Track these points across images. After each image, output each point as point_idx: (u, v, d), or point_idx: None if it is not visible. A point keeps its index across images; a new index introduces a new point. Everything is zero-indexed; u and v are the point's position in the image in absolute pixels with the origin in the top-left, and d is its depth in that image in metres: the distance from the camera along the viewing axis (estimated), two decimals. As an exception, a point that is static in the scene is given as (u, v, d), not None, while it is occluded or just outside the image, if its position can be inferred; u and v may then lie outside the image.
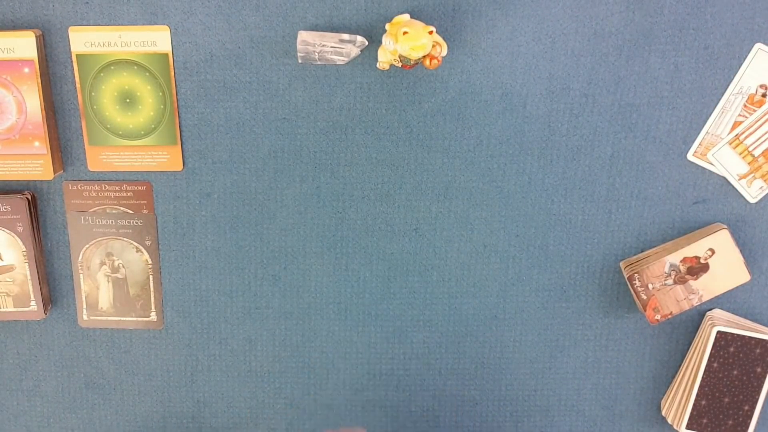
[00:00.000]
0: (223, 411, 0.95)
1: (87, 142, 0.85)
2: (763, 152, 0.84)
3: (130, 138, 0.85)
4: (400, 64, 0.79)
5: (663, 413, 0.93)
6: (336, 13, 0.81)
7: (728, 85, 0.83)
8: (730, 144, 0.84)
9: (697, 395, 0.88)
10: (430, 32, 0.74)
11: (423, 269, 0.90)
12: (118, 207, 0.88)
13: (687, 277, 0.86)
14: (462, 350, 0.93)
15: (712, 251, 0.84)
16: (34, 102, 0.82)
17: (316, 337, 0.92)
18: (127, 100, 0.84)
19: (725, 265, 0.85)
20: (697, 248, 0.84)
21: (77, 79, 0.83)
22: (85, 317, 0.91)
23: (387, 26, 0.78)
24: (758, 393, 0.88)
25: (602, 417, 0.95)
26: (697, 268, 0.85)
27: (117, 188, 0.87)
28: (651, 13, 0.81)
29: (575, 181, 0.87)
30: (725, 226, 0.85)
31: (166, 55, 0.83)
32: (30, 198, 0.86)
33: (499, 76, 0.83)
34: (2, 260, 0.87)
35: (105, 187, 0.87)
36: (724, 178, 0.86)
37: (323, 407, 0.95)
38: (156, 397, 0.95)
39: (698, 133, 0.85)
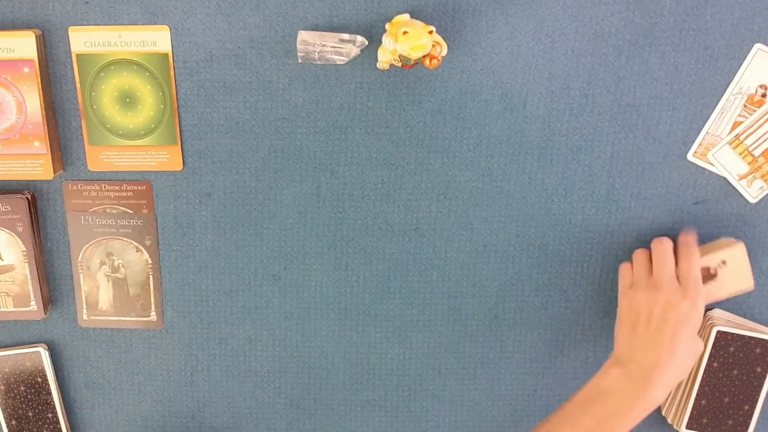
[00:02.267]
0: (223, 411, 0.95)
1: (87, 142, 0.86)
2: (763, 152, 0.84)
3: (130, 138, 0.85)
4: (400, 64, 0.79)
5: (663, 413, 0.93)
6: (336, 13, 0.81)
7: (728, 86, 0.83)
8: (730, 144, 0.84)
9: (697, 395, 0.88)
10: (430, 32, 0.74)
11: (423, 269, 0.90)
12: (118, 207, 0.88)
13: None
14: (462, 350, 0.93)
15: (724, 263, 0.84)
16: (34, 102, 0.82)
17: (316, 337, 0.92)
18: (127, 100, 0.84)
19: (733, 276, 0.85)
20: (710, 260, 0.84)
21: (77, 79, 0.83)
22: (85, 317, 0.91)
23: (387, 26, 0.78)
24: (758, 393, 0.88)
25: (602, 417, 0.95)
26: (705, 276, 0.84)
27: (117, 188, 0.87)
28: (651, 13, 0.81)
29: (575, 181, 0.87)
30: (742, 242, 0.84)
31: (166, 55, 0.83)
32: (30, 198, 0.86)
33: (499, 76, 0.83)
34: (2, 260, 0.87)
35: (105, 187, 0.87)
36: (724, 178, 0.86)
37: (323, 407, 0.95)
38: (156, 397, 0.95)
39: (698, 134, 0.85)
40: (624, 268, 0.85)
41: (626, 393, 0.76)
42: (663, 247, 0.82)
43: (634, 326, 0.79)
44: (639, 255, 0.85)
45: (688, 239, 0.83)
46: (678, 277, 0.80)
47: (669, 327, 0.77)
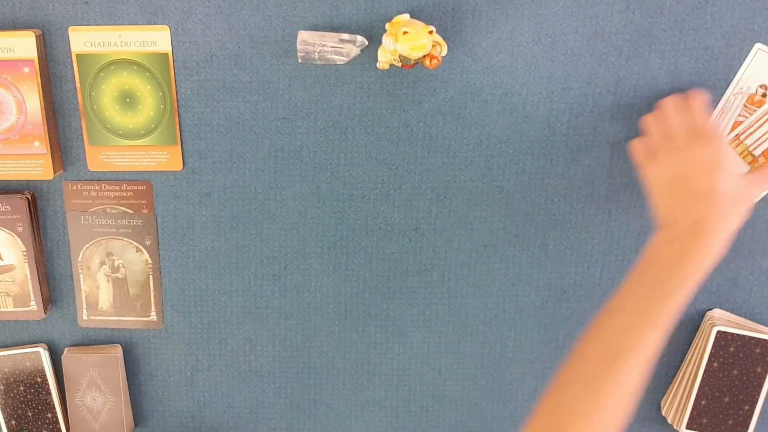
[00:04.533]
0: (223, 411, 0.95)
1: (87, 142, 0.86)
2: (763, 152, 0.84)
3: (130, 138, 0.85)
4: (400, 64, 0.79)
5: (663, 413, 0.93)
6: (336, 13, 0.81)
7: (728, 85, 0.83)
8: (730, 144, 0.84)
9: (697, 395, 0.88)
10: (430, 32, 0.74)
11: (423, 269, 0.90)
12: (118, 207, 0.88)
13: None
14: (462, 350, 0.93)
15: None
16: (34, 102, 0.82)
17: (316, 337, 0.92)
18: (127, 100, 0.84)
19: None
20: None
21: (77, 79, 0.83)
22: (85, 317, 0.91)
23: (387, 26, 0.78)
24: (758, 393, 0.88)
25: (602, 417, 0.94)
26: None
27: (117, 188, 0.87)
28: (651, 13, 0.81)
29: (575, 181, 0.87)
30: None
31: (166, 55, 0.83)
32: (30, 198, 0.86)
33: (499, 76, 0.83)
34: (2, 260, 0.87)
35: (105, 186, 0.87)
36: (724, 178, 0.86)
37: (323, 407, 0.95)
38: (156, 397, 0.95)
39: (698, 133, 0.85)
40: (636, 143, 0.81)
41: (677, 251, 0.71)
42: (669, 106, 0.79)
43: (666, 192, 0.75)
44: (649, 123, 0.80)
45: (695, 95, 0.79)
46: (693, 131, 0.76)
47: (701, 179, 0.73)
